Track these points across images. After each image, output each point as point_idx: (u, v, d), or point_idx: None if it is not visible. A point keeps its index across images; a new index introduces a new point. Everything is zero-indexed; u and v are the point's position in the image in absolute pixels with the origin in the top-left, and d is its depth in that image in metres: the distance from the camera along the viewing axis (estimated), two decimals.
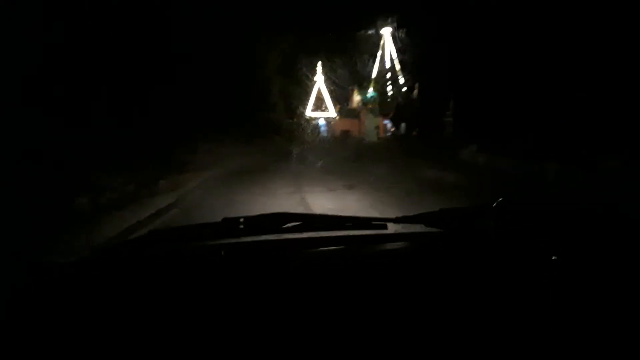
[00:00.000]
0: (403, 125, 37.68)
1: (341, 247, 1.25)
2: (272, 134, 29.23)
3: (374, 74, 40.05)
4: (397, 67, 39.39)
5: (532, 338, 0.76)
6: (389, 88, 38.87)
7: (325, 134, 39.34)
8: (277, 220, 1.26)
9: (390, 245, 1.25)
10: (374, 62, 40.49)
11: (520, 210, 1.20)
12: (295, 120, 37.33)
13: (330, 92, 39.31)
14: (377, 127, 39.16)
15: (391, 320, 0.81)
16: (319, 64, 38.02)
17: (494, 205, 1.16)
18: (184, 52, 15.90)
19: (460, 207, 1.31)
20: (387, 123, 38.92)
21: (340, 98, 40.27)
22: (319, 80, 38.74)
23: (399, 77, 39.16)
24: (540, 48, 14.98)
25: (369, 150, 26.67)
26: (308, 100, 38.83)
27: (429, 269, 1.06)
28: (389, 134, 38.51)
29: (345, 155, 20.16)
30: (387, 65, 39.74)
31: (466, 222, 1.27)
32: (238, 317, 0.84)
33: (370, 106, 39.23)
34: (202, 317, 0.84)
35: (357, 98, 40.95)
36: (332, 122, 39.80)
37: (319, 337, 0.77)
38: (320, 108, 39.32)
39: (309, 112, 38.91)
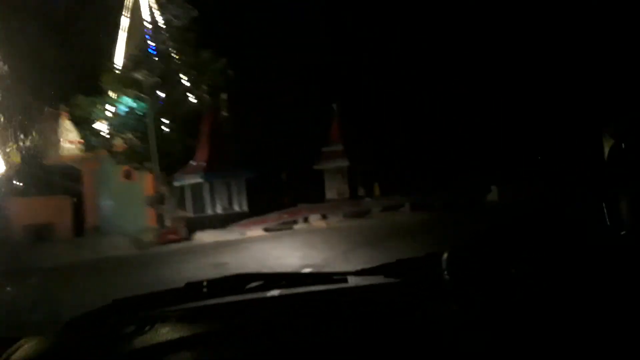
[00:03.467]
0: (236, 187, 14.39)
1: (304, 303, 1.36)
2: None
3: (118, 63, 15.79)
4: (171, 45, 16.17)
5: None
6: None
7: None
8: (240, 281, 1.36)
9: (351, 299, 1.36)
10: (114, 39, 16.43)
11: (471, 258, 1.28)
12: None
13: None
14: (157, 201, 14.05)
15: None
16: None
17: (444, 257, 1.25)
18: None
19: (416, 256, 1.42)
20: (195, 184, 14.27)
21: (23, 126, 14.33)
22: None
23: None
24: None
25: None
26: None
27: (388, 319, 1.16)
28: (204, 214, 13.96)
29: None
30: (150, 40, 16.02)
31: (422, 271, 1.38)
32: None
33: (124, 145, 14.31)
34: None
35: (69, 132, 15.83)
36: None
37: None
38: None
39: None
